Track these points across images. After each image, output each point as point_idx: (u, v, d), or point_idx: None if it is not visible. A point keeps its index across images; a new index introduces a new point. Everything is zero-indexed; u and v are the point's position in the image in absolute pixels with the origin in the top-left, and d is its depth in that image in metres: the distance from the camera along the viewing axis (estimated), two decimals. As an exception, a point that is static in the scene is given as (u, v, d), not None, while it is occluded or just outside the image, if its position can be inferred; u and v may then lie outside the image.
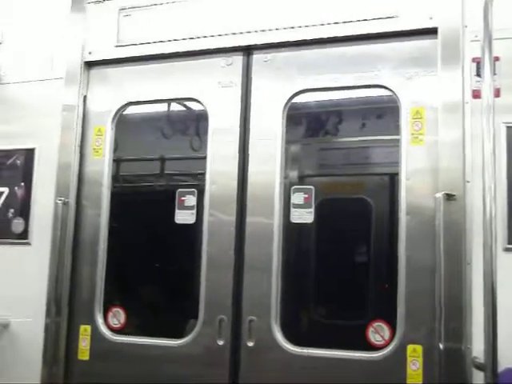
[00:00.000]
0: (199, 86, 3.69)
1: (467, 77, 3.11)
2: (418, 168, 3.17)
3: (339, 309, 3.73)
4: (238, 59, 3.62)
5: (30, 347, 3.74)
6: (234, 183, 3.50)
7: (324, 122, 3.82)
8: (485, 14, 2.78)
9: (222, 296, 3.43)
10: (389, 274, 3.30)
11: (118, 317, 3.70)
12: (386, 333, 3.16)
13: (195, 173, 3.82)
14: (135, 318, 3.80)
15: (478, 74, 3.00)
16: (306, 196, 3.39)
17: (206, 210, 3.54)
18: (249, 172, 3.49)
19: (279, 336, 3.31)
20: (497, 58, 2.96)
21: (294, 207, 3.40)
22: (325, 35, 3.42)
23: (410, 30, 3.26)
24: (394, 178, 3.41)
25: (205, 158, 3.60)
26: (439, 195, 2.98)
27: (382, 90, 3.34)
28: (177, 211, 3.63)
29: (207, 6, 3.71)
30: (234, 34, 3.60)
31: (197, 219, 3.59)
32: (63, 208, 3.74)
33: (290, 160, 3.61)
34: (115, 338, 3.66)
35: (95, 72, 3.97)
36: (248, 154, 3.51)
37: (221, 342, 3.39)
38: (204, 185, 3.57)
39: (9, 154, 4.01)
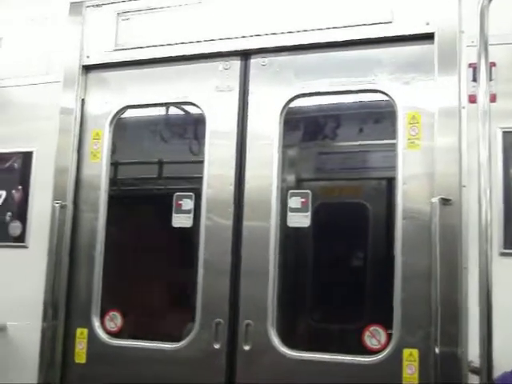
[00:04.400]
0: (197, 90, 3.69)
1: (464, 82, 3.11)
2: (415, 173, 3.17)
3: (336, 313, 3.74)
4: (235, 63, 3.63)
5: (26, 350, 3.74)
6: (231, 187, 3.50)
7: (321, 126, 3.83)
8: (481, 19, 2.79)
9: (219, 300, 3.42)
10: (385, 278, 3.29)
11: (115, 320, 3.70)
12: (382, 337, 3.16)
13: (192, 176, 3.82)
14: (132, 321, 3.80)
15: (475, 80, 3.00)
16: (303, 200, 3.39)
17: (203, 213, 3.54)
18: (246, 176, 3.50)
19: (275, 340, 3.30)
20: (493, 64, 2.97)
21: (291, 211, 3.40)
22: (322, 40, 3.43)
23: (407, 36, 3.27)
24: (390, 183, 3.41)
25: (202, 161, 3.61)
26: (435, 200, 2.98)
27: (379, 94, 3.35)
28: (174, 215, 3.63)
29: (205, 10, 3.72)
30: (232, 38, 3.61)
31: (194, 223, 3.59)
32: (60, 211, 3.74)
33: (287, 164, 3.62)
34: (112, 341, 3.66)
35: (93, 75, 3.98)
36: (245, 158, 3.51)
37: (217, 346, 3.39)
38: (201, 189, 3.58)
39: (6, 156, 4.02)
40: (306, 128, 3.90)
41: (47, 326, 3.69)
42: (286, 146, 3.53)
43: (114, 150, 3.89)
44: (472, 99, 3.05)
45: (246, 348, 3.34)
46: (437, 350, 2.87)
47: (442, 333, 2.88)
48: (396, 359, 3.07)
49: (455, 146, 3.07)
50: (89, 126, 3.91)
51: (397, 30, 3.30)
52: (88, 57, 3.96)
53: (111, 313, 3.73)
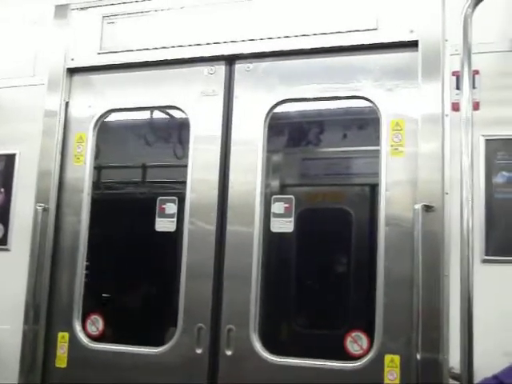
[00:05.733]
0: (181, 95, 3.69)
1: (447, 90, 3.13)
2: (398, 179, 3.18)
3: (318, 318, 3.74)
4: (220, 68, 3.63)
5: (7, 354, 3.70)
6: (215, 192, 3.50)
7: (305, 132, 3.84)
8: (464, 28, 2.82)
9: (201, 304, 3.42)
10: (368, 283, 3.30)
11: (97, 324, 3.69)
12: (364, 343, 3.17)
13: (176, 181, 3.81)
14: (114, 325, 3.78)
15: (458, 88, 3.02)
16: (287, 205, 3.40)
17: (187, 218, 3.53)
18: (230, 181, 3.49)
19: (258, 345, 3.30)
20: (476, 72, 3.00)
21: (275, 216, 3.41)
22: (306, 46, 3.43)
23: (391, 43, 3.29)
24: (374, 189, 3.42)
25: (186, 166, 3.60)
26: (418, 206, 2.99)
27: (363, 101, 3.36)
28: (157, 219, 3.63)
29: (191, 15, 3.71)
30: (217, 43, 3.61)
31: (177, 227, 3.59)
32: (43, 214, 3.72)
33: (270, 169, 3.62)
34: (93, 345, 3.64)
35: (78, 78, 3.96)
36: (229, 163, 3.51)
37: (199, 351, 3.38)
38: (185, 193, 3.57)
39: (-11, 159, 3.99)
40: (290, 133, 3.91)
41: (28, 329, 3.67)
42: (270, 151, 3.54)
43: (97, 154, 3.88)
44: (455, 107, 3.07)
45: (228, 353, 3.33)
46: (418, 356, 2.87)
47: (423, 339, 2.88)
48: (378, 365, 3.07)
49: (438, 153, 3.08)
50: (72, 129, 3.89)
51: (381, 37, 3.31)
52: (73, 59, 3.94)
53: (93, 316, 3.71)
